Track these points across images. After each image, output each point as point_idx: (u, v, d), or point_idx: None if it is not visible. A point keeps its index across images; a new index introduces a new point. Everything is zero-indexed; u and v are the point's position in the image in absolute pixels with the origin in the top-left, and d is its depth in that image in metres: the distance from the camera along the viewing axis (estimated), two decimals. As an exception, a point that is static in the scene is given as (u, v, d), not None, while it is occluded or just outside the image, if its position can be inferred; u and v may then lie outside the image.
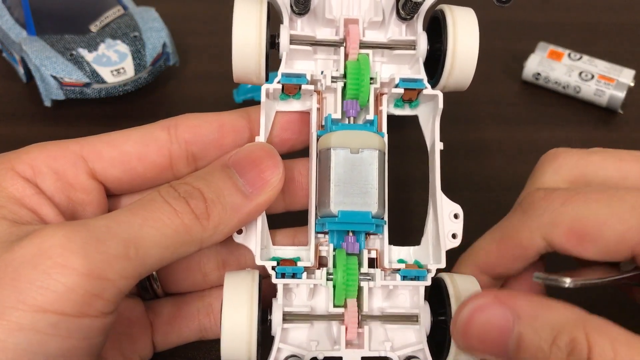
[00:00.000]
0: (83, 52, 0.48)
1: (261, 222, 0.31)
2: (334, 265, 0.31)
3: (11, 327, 0.23)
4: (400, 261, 0.32)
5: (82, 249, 0.24)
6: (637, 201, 0.28)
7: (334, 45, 0.33)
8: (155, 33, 0.50)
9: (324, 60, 0.34)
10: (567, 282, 0.26)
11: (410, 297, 0.32)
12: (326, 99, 0.34)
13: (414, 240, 0.34)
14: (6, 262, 0.24)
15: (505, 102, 0.54)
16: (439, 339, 0.31)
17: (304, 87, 0.32)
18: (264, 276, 0.31)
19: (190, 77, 0.54)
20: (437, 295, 0.32)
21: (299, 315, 0.31)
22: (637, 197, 0.29)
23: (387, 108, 0.34)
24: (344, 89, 0.33)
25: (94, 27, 0.50)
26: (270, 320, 0.30)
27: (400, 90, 0.32)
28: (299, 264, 0.31)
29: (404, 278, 0.31)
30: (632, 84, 0.52)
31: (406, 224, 0.42)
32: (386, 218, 0.32)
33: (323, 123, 0.33)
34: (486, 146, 0.50)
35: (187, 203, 0.28)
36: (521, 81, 0.55)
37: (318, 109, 0.33)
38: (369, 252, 0.32)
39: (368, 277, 0.31)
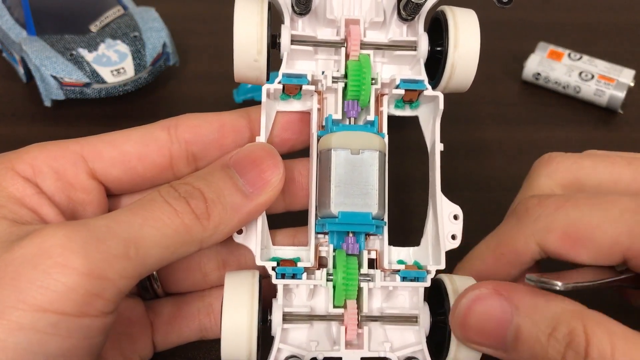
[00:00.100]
0: (83, 52, 0.48)
1: (261, 222, 0.31)
2: (334, 266, 0.31)
3: (11, 326, 0.23)
4: (400, 262, 0.32)
5: (82, 249, 0.24)
6: (627, 206, 0.29)
7: (335, 45, 0.33)
8: (155, 33, 0.50)
9: (324, 60, 0.34)
10: (559, 285, 0.27)
11: (410, 298, 0.32)
12: (327, 100, 0.34)
13: (414, 241, 0.34)
14: (6, 261, 0.24)
15: (505, 102, 0.54)
16: (438, 340, 0.31)
17: (304, 87, 0.32)
18: (264, 276, 0.31)
19: (190, 77, 0.54)
20: (436, 296, 0.32)
21: (298, 316, 0.31)
22: (627, 202, 0.29)
23: (388, 109, 0.34)
24: (344, 89, 0.33)
25: (94, 27, 0.50)
26: (270, 320, 0.30)
27: (401, 91, 0.32)
28: (299, 264, 0.31)
29: (403, 279, 0.31)
30: (632, 84, 0.52)
31: (406, 225, 0.42)
32: (386, 219, 0.32)
33: (324, 123, 0.33)
34: (486, 146, 0.50)
35: (188, 203, 0.28)
36: (521, 81, 0.55)
37: (319, 110, 0.33)
38: (369, 253, 0.32)
39: (368, 278, 0.31)
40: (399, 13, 0.33)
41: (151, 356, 0.34)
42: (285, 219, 0.35)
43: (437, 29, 0.33)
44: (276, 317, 0.30)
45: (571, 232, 0.29)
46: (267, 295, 0.30)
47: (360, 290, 0.31)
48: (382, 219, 0.32)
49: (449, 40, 0.31)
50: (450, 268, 0.32)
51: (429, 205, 0.34)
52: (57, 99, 0.48)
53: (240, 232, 0.31)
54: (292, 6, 0.32)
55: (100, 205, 0.32)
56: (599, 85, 0.52)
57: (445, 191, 0.33)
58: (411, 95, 0.32)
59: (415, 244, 0.34)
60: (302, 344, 0.31)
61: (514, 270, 0.32)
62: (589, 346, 0.24)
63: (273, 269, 0.31)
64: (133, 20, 0.51)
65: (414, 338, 0.31)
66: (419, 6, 0.31)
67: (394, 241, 0.33)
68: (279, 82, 0.32)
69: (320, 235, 0.32)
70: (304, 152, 0.34)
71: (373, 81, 0.32)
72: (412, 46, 0.33)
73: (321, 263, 0.32)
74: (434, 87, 0.33)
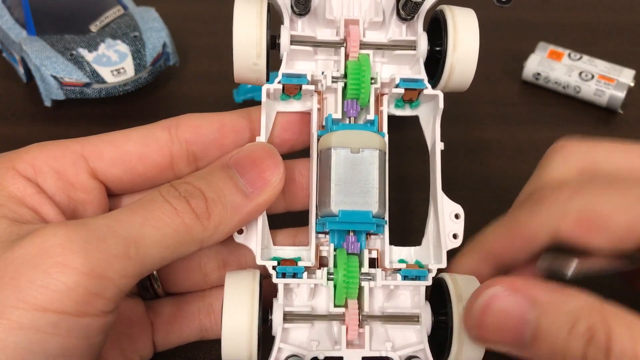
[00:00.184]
0: (83, 52, 0.48)
1: (262, 222, 0.31)
2: (335, 265, 0.31)
3: (11, 326, 0.23)
4: (401, 261, 0.32)
5: (82, 248, 0.24)
6: None
7: (335, 45, 0.33)
8: (155, 33, 0.50)
9: (324, 60, 0.34)
10: (572, 267, 0.26)
11: (411, 297, 0.32)
12: (327, 99, 0.34)
13: (415, 240, 0.34)
14: (7, 261, 0.24)
15: (505, 102, 0.54)
16: (439, 339, 0.31)
17: (304, 87, 0.32)
18: (264, 276, 0.31)
19: (190, 77, 0.54)
20: (438, 295, 0.32)
21: (299, 315, 0.31)
22: None
23: (388, 108, 0.34)
24: (344, 89, 0.33)
25: (94, 27, 0.50)
26: (271, 320, 0.30)
27: (401, 91, 0.32)
28: (300, 263, 0.31)
29: (404, 278, 0.31)
30: (632, 84, 0.52)
31: (407, 224, 0.42)
32: (387, 218, 0.32)
33: (323, 123, 0.33)
34: (486, 146, 0.50)
35: (188, 202, 0.28)
36: (521, 81, 0.55)
37: (318, 109, 0.33)
38: (370, 252, 0.32)
39: (369, 277, 0.31)
40: (398, 13, 0.33)
41: (151, 356, 0.34)
42: (286, 219, 0.35)
43: (437, 29, 0.33)
44: (277, 317, 0.30)
45: (586, 218, 0.29)
46: (267, 295, 0.30)
47: (361, 289, 0.31)
48: (383, 218, 0.32)
49: (448, 39, 0.31)
50: (451, 266, 0.32)
51: (430, 204, 0.34)
52: (57, 99, 0.48)
53: (240, 232, 0.31)
54: (292, 7, 0.32)
55: (101, 205, 0.32)
56: (599, 85, 0.52)
57: (446, 191, 0.33)
58: (411, 94, 0.32)
59: (416, 244, 0.34)
60: (303, 343, 0.31)
61: (523, 254, 0.32)
62: (611, 341, 0.24)
63: (274, 268, 0.31)
64: (133, 20, 0.51)
65: (416, 337, 0.31)
66: (418, 5, 0.31)
67: (395, 241, 0.33)
68: (279, 82, 0.32)
69: (320, 235, 0.32)
70: (304, 153, 0.34)
71: (373, 81, 0.32)
72: (412, 46, 0.33)
73: (322, 263, 0.32)
74: (433, 86, 0.33)
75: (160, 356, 0.35)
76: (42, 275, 0.24)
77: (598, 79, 0.52)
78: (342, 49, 0.33)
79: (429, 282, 0.31)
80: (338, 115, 0.32)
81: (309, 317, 0.31)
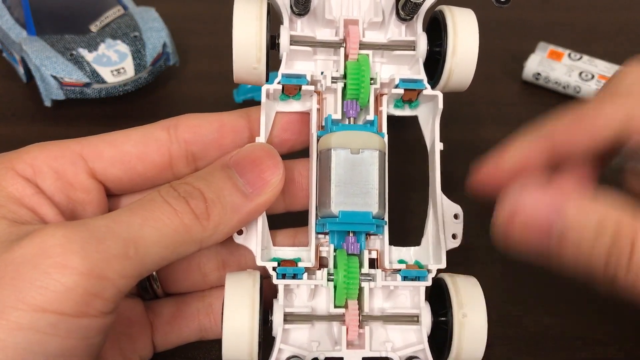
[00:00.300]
0: (83, 52, 0.48)
1: (261, 222, 0.31)
2: (335, 266, 0.31)
3: (11, 326, 0.23)
4: (401, 261, 0.32)
5: (81, 249, 0.24)
6: None
7: (334, 45, 0.33)
8: (155, 33, 0.50)
9: (323, 61, 0.34)
10: None
11: (411, 298, 0.32)
12: (326, 100, 0.34)
13: (414, 240, 0.34)
14: (6, 261, 0.24)
15: (505, 102, 0.54)
16: (439, 339, 0.31)
17: (304, 87, 0.32)
18: (264, 277, 0.31)
19: (190, 77, 0.54)
20: (437, 295, 0.32)
21: (300, 316, 0.31)
22: None
23: (387, 108, 0.34)
24: (344, 89, 0.33)
25: (94, 27, 0.50)
26: (272, 321, 0.30)
27: (400, 91, 0.32)
28: (300, 264, 0.31)
29: (404, 278, 0.31)
30: (632, 84, 0.52)
31: (406, 225, 0.42)
32: (386, 218, 0.32)
33: (323, 124, 0.33)
34: (486, 146, 0.50)
35: (187, 203, 0.28)
36: (521, 81, 0.55)
37: (318, 110, 0.33)
38: (370, 253, 0.32)
39: (369, 278, 0.31)
40: (397, 13, 0.33)
41: (151, 356, 0.34)
42: (286, 220, 0.35)
43: (436, 29, 0.33)
44: (277, 318, 0.30)
45: None
46: (268, 295, 0.30)
47: (361, 290, 0.31)
48: (383, 219, 0.32)
49: (448, 40, 0.31)
50: (450, 267, 0.32)
51: (429, 204, 0.34)
52: (57, 99, 0.48)
53: (240, 232, 0.31)
54: (291, 7, 0.32)
55: (100, 205, 0.32)
56: (599, 85, 0.52)
57: (445, 191, 0.33)
58: (410, 94, 0.32)
59: (416, 244, 0.34)
60: (304, 344, 0.31)
61: (582, 146, 0.31)
62: (634, 245, 0.24)
63: (274, 269, 0.31)
64: (133, 20, 0.51)
65: (416, 338, 0.31)
66: (418, 6, 0.31)
67: (395, 241, 0.33)
68: (279, 83, 0.32)
69: (320, 236, 0.32)
70: (304, 153, 0.34)
71: (372, 81, 0.32)
72: (411, 46, 0.33)
73: (322, 263, 0.32)
74: (433, 87, 0.33)
75: (160, 356, 0.35)
76: (42, 275, 0.24)
77: (598, 79, 0.52)
78: (342, 49, 0.33)
79: (429, 283, 0.31)
80: (338, 115, 0.32)
81: (309, 318, 0.31)
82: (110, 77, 0.48)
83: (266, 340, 0.30)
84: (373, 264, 0.32)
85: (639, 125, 0.29)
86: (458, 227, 0.32)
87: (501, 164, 0.33)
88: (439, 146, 0.33)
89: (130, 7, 0.52)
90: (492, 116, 0.52)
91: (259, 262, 0.31)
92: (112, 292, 0.25)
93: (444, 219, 0.32)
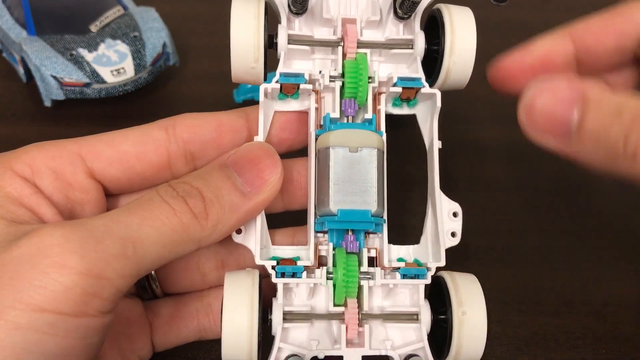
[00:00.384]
0: (83, 52, 0.48)
1: (260, 221, 0.31)
2: (334, 264, 0.31)
3: (9, 326, 0.23)
4: (400, 260, 0.32)
5: (80, 248, 0.24)
6: None
7: (332, 44, 0.33)
8: (155, 33, 0.50)
9: (321, 60, 0.34)
10: None
11: (410, 296, 0.32)
12: (324, 99, 0.34)
13: (413, 239, 0.34)
14: (4, 261, 0.24)
15: (504, 102, 0.53)
16: (439, 337, 0.31)
17: (302, 86, 0.32)
18: (263, 276, 0.31)
19: (190, 77, 0.54)
20: (437, 293, 0.32)
21: (299, 315, 0.31)
22: None
23: (386, 107, 0.34)
24: (342, 88, 0.33)
25: (94, 27, 0.50)
26: (271, 319, 0.30)
27: (399, 89, 0.32)
28: (299, 263, 0.31)
29: (403, 276, 0.31)
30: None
31: (405, 223, 0.42)
32: (385, 217, 0.32)
33: (321, 122, 0.33)
34: (486, 146, 0.50)
35: (186, 202, 0.28)
36: (521, 80, 0.55)
37: (316, 109, 0.33)
38: (369, 251, 0.32)
39: (368, 276, 0.31)
40: (395, 12, 0.33)
41: (150, 356, 0.34)
42: (284, 219, 0.35)
43: (434, 27, 0.33)
44: (276, 317, 0.30)
45: None
46: (267, 294, 0.30)
47: (360, 288, 0.31)
48: (382, 217, 0.32)
49: (445, 38, 0.31)
50: (450, 267, 0.32)
51: (428, 203, 0.34)
52: (57, 99, 0.48)
53: (239, 231, 0.31)
54: (289, 6, 0.32)
55: (99, 205, 0.32)
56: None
57: (444, 190, 0.33)
58: (408, 93, 0.32)
59: (415, 242, 0.34)
60: (303, 343, 0.31)
61: (611, 43, 0.31)
62: None
63: (273, 268, 0.31)
64: (133, 20, 0.51)
65: (415, 336, 0.31)
66: (415, 4, 0.31)
67: (394, 239, 0.33)
68: (277, 82, 0.32)
69: (319, 234, 0.32)
70: (302, 152, 0.34)
71: (370, 79, 0.32)
72: (409, 44, 0.33)
73: (321, 262, 0.32)
74: (431, 85, 0.33)
75: (160, 356, 0.35)
76: (40, 275, 0.24)
77: (598, 77, 0.52)
78: (340, 48, 0.33)
79: (428, 281, 0.31)
80: (336, 114, 0.32)
81: (309, 317, 0.31)
82: (110, 77, 0.48)
83: (265, 339, 0.30)
84: (372, 262, 0.32)
85: None
86: (457, 225, 0.32)
87: (525, 56, 0.33)
88: (437, 144, 0.33)
89: (130, 7, 0.52)
90: (491, 116, 0.52)
91: (258, 261, 0.31)
92: (111, 291, 0.25)
93: (443, 217, 0.32)
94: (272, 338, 0.30)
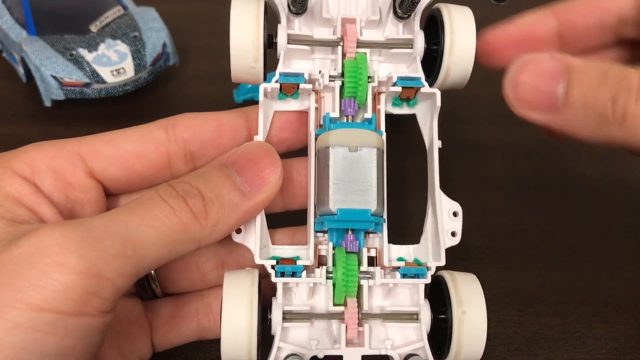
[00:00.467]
0: (83, 52, 0.48)
1: (260, 221, 0.31)
2: (334, 264, 0.31)
3: (9, 325, 0.23)
4: (400, 259, 0.32)
5: (79, 248, 0.24)
6: None
7: (332, 44, 0.33)
8: (155, 33, 0.50)
9: (321, 59, 0.34)
10: None
11: (410, 295, 0.32)
12: (324, 98, 0.34)
13: (413, 238, 0.34)
14: (4, 260, 0.24)
15: (505, 103, 0.54)
16: (439, 337, 0.31)
17: (302, 86, 0.32)
18: (263, 275, 0.31)
19: (190, 77, 0.54)
20: (437, 292, 0.32)
21: (298, 314, 0.31)
22: None
23: (385, 107, 0.34)
24: (341, 87, 0.33)
25: (94, 27, 0.50)
26: (270, 319, 0.30)
27: (398, 89, 0.32)
28: (299, 262, 0.31)
29: (403, 276, 0.31)
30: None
31: (405, 223, 0.42)
32: (385, 216, 0.32)
33: (321, 122, 0.33)
34: (486, 146, 0.50)
35: (186, 202, 0.28)
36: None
37: (316, 108, 0.33)
38: (369, 251, 0.32)
39: (368, 276, 0.31)
40: (394, 11, 0.33)
41: (150, 356, 0.34)
42: (284, 219, 0.35)
43: (433, 27, 0.33)
44: (276, 316, 0.30)
45: None
46: (266, 294, 0.30)
47: (360, 287, 0.31)
48: (381, 216, 0.31)
49: (445, 37, 0.31)
50: (450, 267, 0.32)
51: (428, 202, 0.34)
52: (57, 99, 0.48)
53: (239, 231, 0.31)
54: (288, 6, 0.32)
55: (99, 205, 0.32)
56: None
57: (444, 190, 0.33)
58: (408, 92, 0.32)
59: (415, 242, 0.34)
60: (303, 342, 0.31)
61: (590, 20, 0.32)
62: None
63: (272, 267, 0.31)
64: (133, 20, 0.51)
65: (415, 335, 0.31)
66: (415, 3, 0.31)
67: (394, 239, 0.33)
68: (276, 81, 0.32)
69: (319, 234, 0.32)
70: (302, 152, 0.34)
71: (370, 79, 0.32)
72: (409, 44, 0.33)
73: (321, 262, 0.32)
74: (431, 85, 0.33)
75: (160, 356, 0.35)
76: (39, 274, 0.24)
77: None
78: (339, 48, 0.33)
79: (428, 280, 0.31)
80: (336, 114, 0.32)
81: (308, 316, 0.31)
82: (110, 77, 0.48)
83: (265, 338, 0.30)
84: (372, 262, 0.32)
85: None
86: (457, 225, 0.32)
87: (511, 30, 0.33)
88: (437, 144, 0.33)
89: (130, 7, 0.52)
90: (492, 116, 0.52)
91: (258, 260, 0.31)
92: (110, 291, 0.25)
93: (443, 217, 0.32)
94: (272, 338, 0.30)
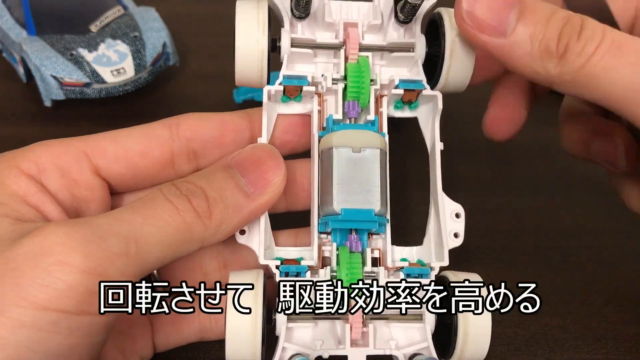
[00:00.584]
0: (83, 52, 0.48)
1: (264, 222, 0.31)
2: (338, 263, 0.31)
3: (12, 324, 0.23)
4: (403, 260, 0.32)
5: (83, 247, 0.24)
6: None
7: (334, 48, 0.33)
8: (155, 33, 0.50)
9: (324, 63, 0.34)
10: None
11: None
12: (327, 101, 0.34)
13: (416, 240, 0.34)
14: (8, 259, 0.24)
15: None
16: (443, 337, 0.31)
17: (305, 88, 0.32)
18: (267, 276, 0.31)
19: (190, 77, 0.54)
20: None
21: (303, 315, 0.31)
22: None
23: (388, 110, 0.34)
24: (344, 90, 0.33)
25: (94, 27, 0.50)
26: (275, 319, 0.30)
27: (400, 91, 0.32)
28: (303, 263, 0.31)
29: (407, 276, 0.31)
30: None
31: (408, 225, 0.42)
32: (388, 217, 0.32)
33: (324, 125, 0.33)
34: (486, 147, 0.50)
35: (189, 201, 0.28)
36: (521, 81, 0.55)
37: (319, 111, 0.33)
38: (372, 252, 0.32)
39: (372, 276, 0.31)
40: (396, 16, 0.33)
41: (151, 356, 0.34)
42: (287, 220, 0.35)
43: (434, 32, 0.33)
44: (280, 317, 0.30)
45: None
46: (271, 294, 0.30)
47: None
48: (385, 217, 0.32)
49: (446, 41, 0.31)
50: (452, 267, 0.32)
51: (431, 204, 0.34)
52: (57, 99, 0.48)
53: (242, 232, 0.31)
54: (292, 10, 0.32)
55: (104, 203, 0.32)
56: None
57: (446, 191, 0.33)
58: (410, 95, 0.33)
59: (418, 244, 0.34)
60: (307, 342, 0.31)
61: None
62: (583, 28, 0.27)
63: (277, 267, 0.31)
64: (133, 20, 0.51)
65: (419, 335, 0.31)
66: (416, 8, 0.32)
67: (396, 241, 0.33)
68: (280, 84, 0.32)
69: (323, 236, 0.32)
70: (305, 155, 0.34)
71: (372, 82, 0.33)
72: (410, 48, 0.33)
73: (324, 263, 0.32)
74: (432, 88, 0.33)
75: (160, 356, 0.35)
76: (43, 273, 0.24)
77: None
78: (342, 52, 0.33)
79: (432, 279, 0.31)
80: (339, 116, 0.32)
81: (313, 317, 0.31)
82: (110, 77, 0.48)
83: (270, 339, 0.30)
84: (375, 263, 0.32)
85: None
86: (460, 226, 0.32)
87: None
88: (439, 146, 0.33)
89: (130, 7, 0.52)
90: (491, 116, 0.52)
91: (262, 261, 0.31)
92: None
93: (446, 218, 0.32)
94: (276, 338, 0.30)
